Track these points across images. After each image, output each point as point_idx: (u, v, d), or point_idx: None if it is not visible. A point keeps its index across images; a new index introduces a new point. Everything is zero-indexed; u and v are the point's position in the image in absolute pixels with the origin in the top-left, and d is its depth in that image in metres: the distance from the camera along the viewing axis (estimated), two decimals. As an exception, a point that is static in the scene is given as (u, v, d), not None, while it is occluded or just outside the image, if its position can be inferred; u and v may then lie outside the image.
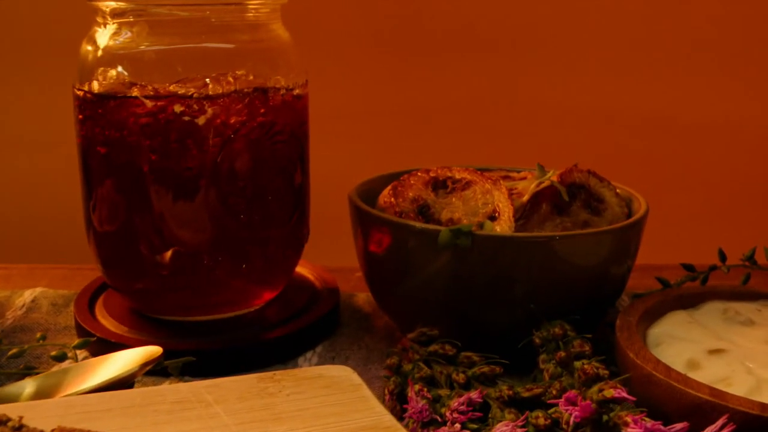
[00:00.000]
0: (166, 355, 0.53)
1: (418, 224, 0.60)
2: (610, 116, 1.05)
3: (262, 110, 0.61)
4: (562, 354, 0.53)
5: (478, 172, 0.66)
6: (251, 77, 0.62)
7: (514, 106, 1.05)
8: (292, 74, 0.64)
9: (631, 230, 0.61)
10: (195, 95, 0.59)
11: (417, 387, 0.51)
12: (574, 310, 0.58)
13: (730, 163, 1.09)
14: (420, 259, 0.60)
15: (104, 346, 0.60)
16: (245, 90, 0.61)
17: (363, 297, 0.75)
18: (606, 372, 0.50)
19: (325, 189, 0.81)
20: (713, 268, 0.69)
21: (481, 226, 0.60)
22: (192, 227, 0.61)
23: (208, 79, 0.60)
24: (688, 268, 0.72)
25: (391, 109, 1.04)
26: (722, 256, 0.72)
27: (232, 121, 0.60)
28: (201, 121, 0.59)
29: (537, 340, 0.56)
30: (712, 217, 1.09)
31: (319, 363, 0.64)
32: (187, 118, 0.59)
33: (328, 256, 0.81)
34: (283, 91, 0.63)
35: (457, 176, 0.67)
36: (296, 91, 0.64)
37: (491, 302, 0.59)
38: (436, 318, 0.60)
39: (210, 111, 0.59)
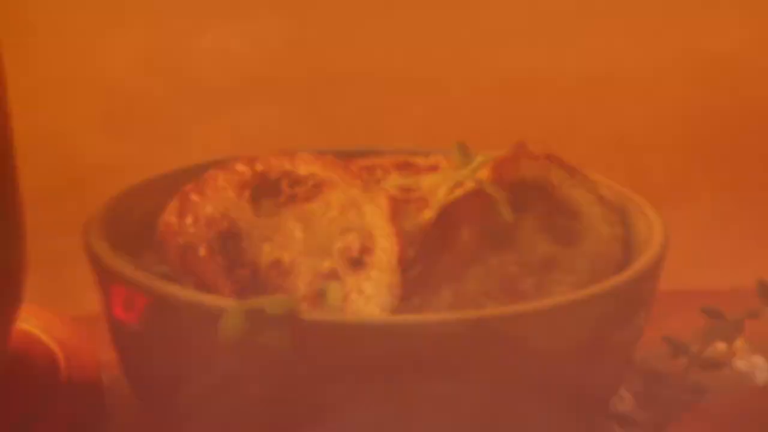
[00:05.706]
0: None
1: (181, 292, 0.30)
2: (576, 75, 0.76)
3: None
4: None
5: (341, 163, 0.38)
6: None
7: (418, 57, 0.74)
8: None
9: (643, 284, 0.34)
10: None
11: None
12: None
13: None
14: (202, 354, 0.31)
15: None
16: None
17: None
18: None
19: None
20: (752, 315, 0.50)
21: (322, 293, 0.29)
22: None
23: None
24: (712, 313, 0.49)
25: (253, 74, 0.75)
26: (765, 291, 0.49)
27: None
28: None
29: None
30: (723, 218, 0.82)
31: None
32: None
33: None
34: None
35: (302, 171, 0.39)
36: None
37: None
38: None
39: None
